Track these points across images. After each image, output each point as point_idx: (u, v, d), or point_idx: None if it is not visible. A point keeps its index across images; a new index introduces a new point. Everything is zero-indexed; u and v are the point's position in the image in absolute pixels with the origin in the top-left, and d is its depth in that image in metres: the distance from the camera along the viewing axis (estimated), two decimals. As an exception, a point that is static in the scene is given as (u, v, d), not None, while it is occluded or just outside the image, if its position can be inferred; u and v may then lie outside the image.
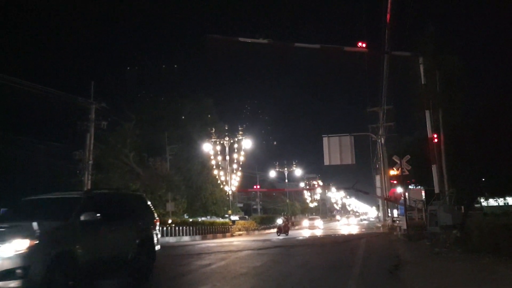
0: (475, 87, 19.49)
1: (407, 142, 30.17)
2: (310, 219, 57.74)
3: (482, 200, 27.68)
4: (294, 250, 17.21)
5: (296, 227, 53.59)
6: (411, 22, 17.52)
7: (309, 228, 50.02)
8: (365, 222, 73.88)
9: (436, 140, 18.90)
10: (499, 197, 29.03)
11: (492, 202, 29.87)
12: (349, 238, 24.45)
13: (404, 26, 17.93)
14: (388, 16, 18.24)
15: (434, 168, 18.83)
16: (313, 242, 23.17)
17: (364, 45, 19.71)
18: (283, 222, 35.77)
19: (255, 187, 56.61)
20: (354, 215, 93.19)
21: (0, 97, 32.92)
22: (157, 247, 10.54)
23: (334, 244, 20.10)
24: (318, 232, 38.27)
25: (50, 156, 37.72)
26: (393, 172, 27.04)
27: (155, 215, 11.26)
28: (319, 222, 54.92)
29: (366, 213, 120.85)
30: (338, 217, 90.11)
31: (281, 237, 30.29)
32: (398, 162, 22.53)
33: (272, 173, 66.91)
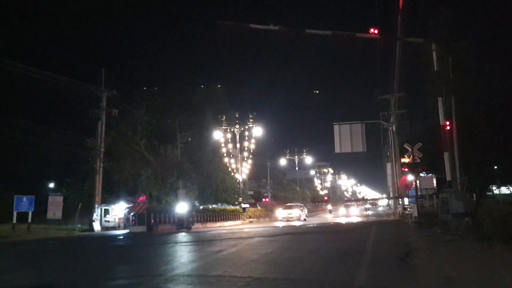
0: (489, 74, 19.21)
1: (418, 129, 29.97)
2: (286, 208, 40.07)
3: (494, 188, 27.46)
4: (304, 237, 17.28)
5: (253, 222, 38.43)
6: (424, 7, 17.28)
7: (285, 221, 36.20)
8: (370, 212, 52.43)
9: (448, 128, 18.74)
10: (511, 185, 28.78)
11: (504, 190, 29.63)
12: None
13: (417, 11, 17.69)
14: (401, 1, 18.01)
15: (446, 155, 18.71)
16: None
17: (376, 31, 19.51)
18: None
19: (264, 200, 54.51)
20: (358, 204, 66.19)
21: (13, 85, 33.24)
22: None
23: (344, 231, 20.13)
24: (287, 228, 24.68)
25: (63, 144, 38.12)
26: (404, 159, 26.91)
27: None
28: (298, 212, 38.38)
29: (374, 201, 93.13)
30: (329, 206, 63.52)
31: None
32: (410, 149, 22.40)
33: (283, 161, 67.00)
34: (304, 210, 41.53)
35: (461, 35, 18.46)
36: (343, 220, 33.13)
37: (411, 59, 21.34)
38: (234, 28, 20.15)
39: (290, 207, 40.14)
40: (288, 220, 36.22)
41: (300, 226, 26.72)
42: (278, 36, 20.46)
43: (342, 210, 52.91)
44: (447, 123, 18.86)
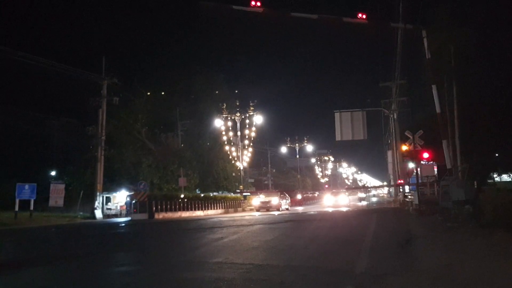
0: (492, 61, 19.06)
1: (420, 117, 29.92)
2: (264, 195, 35.77)
3: (495, 175, 27.48)
4: (305, 225, 17.35)
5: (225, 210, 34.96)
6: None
7: (265, 210, 32.14)
8: (365, 202, 45.73)
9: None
10: (512, 172, 28.77)
11: (505, 177, 29.64)
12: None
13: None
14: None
15: (444, 143, 18.68)
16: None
17: (364, 16, 19.16)
18: None
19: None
20: (350, 191, 54.31)
21: (14, 73, 33.18)
22: None
23: (344, 218, 20.19)
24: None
25: (64, 132, 38.19)
26: (405, 147, 26.89)
27: None
28: (277, 200, 33.93)
29: (368, 189, 68.24)
30: (299, 195, 51.28)
31: None
32: (411, 137, 22.37)
33: (283, 149, 66.96)
34: (286, 199, 37.66)
35: (463, 23, 18.26)
36: (333, 211, 28.98)
37: (413, 46, 21.18)
38: (216, 9, 19.79)
39: (268, 194, 36.49)
40: (267, 210, 32.10)
41: (281, 215, 26.48)
42: (262, 18, 20.03)
43: (329, 199, 43.28)
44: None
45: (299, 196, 51.33)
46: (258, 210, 32.64)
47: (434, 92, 18.71)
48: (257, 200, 35.02)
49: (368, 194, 54.66)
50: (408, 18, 19.47)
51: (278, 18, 20.50)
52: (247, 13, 19.48)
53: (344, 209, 31.21)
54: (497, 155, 21.65)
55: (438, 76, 18.63)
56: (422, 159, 22.94)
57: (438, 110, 18.86)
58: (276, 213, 28.83)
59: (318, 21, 19.83)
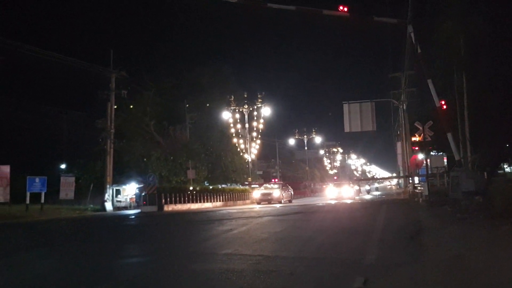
0: (503, 50, 18.83)
1: (429, 108, 29.68)
2: (265, 188, 35.03)
3: (505, 166, 27.27)
4: (313, 216, 17.36)
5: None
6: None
7: (266, 203, 30.97)
8: (369, 196, 43.80)
9: (445, 107, 18.64)
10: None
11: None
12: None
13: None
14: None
15: (449, 136, 18.56)
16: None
17: (345, 9, 18.89)
18: None
19: (273, 180, 46.40)
20: (356, 183, 49.08)
21: (24, 67, 33.37)
22: None
23: (351, 211, 20.16)
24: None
25: (73, 125, 38.41)
26: (415, 138, 26.73)
27: None
28: (278, 193, 32.46)
29: (376, 180, 68.15)
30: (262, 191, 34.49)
31: None
32: (420, 128, 22.24)
33: (292, 141, 66.88)
34: (288, 190, 35.75)
35: (474, 11, 18.03)
36: (336, 203, 27.63)
37: (421, 36, 20.98)
38: None
39: (271, 185, 35.86)
40: (268, 202, 30.99)
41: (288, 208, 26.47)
42: (239, 9, 19.78)
43: (332, 191, 39.23)
44: (443, 102, 18.74)
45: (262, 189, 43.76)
46: (258, 203, 31.52)
47: (431, 86, 18.58)
48: (257, 192, 33.81)
49: (374, 185, 53.33)
50: (417, 8, 19.27)
51: (255, 9, 20.18)
52: (221, 2, 19.18)
53: (349, 201, 30.38)
54: (507, 145, 21.48)
55: (432, 71, 18.54)
56: (432, 150, 22.83)
57: (437, 104, 18.78)
58: (278, 205, 28.22)
59: (296, 13, 19.57)
